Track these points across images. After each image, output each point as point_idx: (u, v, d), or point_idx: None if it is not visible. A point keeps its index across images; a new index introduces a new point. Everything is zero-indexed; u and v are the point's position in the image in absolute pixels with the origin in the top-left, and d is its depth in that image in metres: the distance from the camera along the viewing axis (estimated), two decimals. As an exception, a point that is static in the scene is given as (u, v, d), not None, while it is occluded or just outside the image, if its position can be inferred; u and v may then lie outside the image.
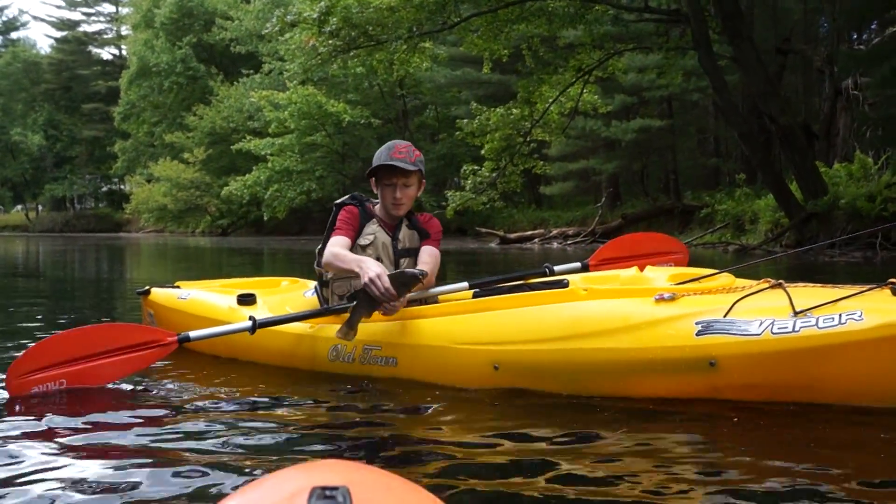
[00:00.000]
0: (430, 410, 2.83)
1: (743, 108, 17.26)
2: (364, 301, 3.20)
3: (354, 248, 3.56)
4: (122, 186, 62.48)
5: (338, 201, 3.76)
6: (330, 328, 3.44)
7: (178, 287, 4.51)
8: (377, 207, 3.70)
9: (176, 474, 2.10)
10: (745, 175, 22.23)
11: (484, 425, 2.59)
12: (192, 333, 3.36)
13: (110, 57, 69.49)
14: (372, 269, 3.18)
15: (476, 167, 17.27)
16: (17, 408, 2.91)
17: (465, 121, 17.17)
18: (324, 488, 0.75)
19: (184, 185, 43.44)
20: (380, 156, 3.53)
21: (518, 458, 2.25)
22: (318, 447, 2.43)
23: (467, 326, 3.11)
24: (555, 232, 23.12)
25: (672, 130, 24.55)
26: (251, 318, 3.42)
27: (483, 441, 2.41)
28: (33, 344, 3.28)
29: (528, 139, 16.96)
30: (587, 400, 2.81)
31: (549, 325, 2.93)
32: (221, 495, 1.93)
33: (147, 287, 4.52)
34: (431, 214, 3.85)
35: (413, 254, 3.64)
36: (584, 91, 17.28)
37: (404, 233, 3.67)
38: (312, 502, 0.74)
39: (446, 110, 33.53)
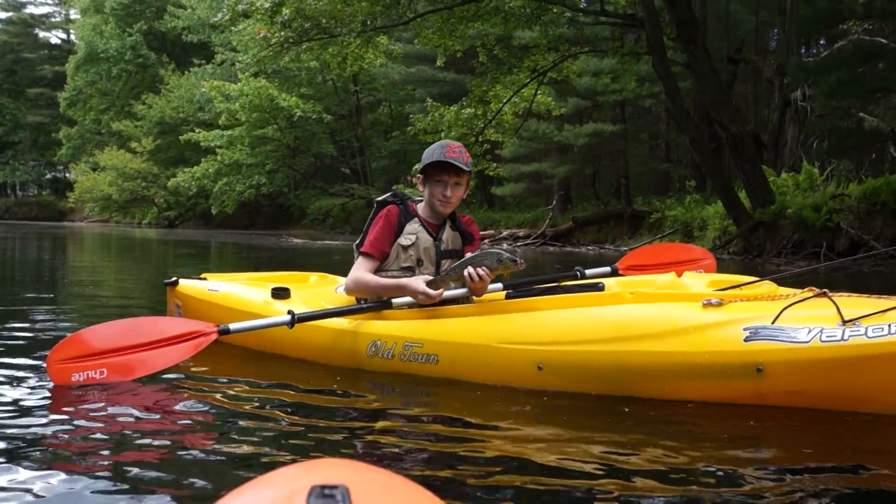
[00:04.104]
0: (468, 410, 2.86)
1: (694, 115, 17.36)
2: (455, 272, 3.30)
3: (395, 248, 3.53)
4: (66, 174, 61.07)
5: (379, 199, 3.71)
6: (369, 324, 3.47)
7: (205, 279, 4.51)
8: (420, 206, 3.64)
9: (185, 469, 2.12)
10: (696, 182, 22.42)
11: (524, 428, 2.62)
12: (232, 325, 3.36)
13: (58, 41, 67.93)
14: (418, 285, 3.29)
15: (428, 165, 17.08)
16: (53, 391, 2.98)
17: (419, 115, 17.01)
18: (323, 487, 0.75)
19: (130, 174, 42.64)
20: (432, 153, 3.49)
21: (558, 459, 2.25)
22: (346, 446, 2.41)
23: (510, 326, 3.13)
24: (505, 233, 23.05)
25: (624, 136, 24.67)
26: (290, 312, 3.42)
27: (521, 442, 2.43)
28: (74, 332, 3.28)
29: (480, 139, 16.87)
30: (631, 402, 2.85)
31: (595, 327, 2.96)
32: (234, 486, 1.95)
33: (175, 278, 4.48)
34: (471, 217, 3.81)
35: (456, 255, 3.56)
36: (538, 92, 17.23)
37: (447, 234, 3.60)
38: (311, 501, 0.73)
39: (400, 108, 33.35)
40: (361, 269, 3.50)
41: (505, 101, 16.51)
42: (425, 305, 3.35)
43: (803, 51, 24.21)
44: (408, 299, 3.41)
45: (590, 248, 19.96)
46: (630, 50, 16.57)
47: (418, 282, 3.31)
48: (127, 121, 44.43)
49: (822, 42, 22.60)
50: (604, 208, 23.61)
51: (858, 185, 13.91)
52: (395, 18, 15.47)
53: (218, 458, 2.22)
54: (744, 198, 14.43)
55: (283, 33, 15.24)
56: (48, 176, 65.33)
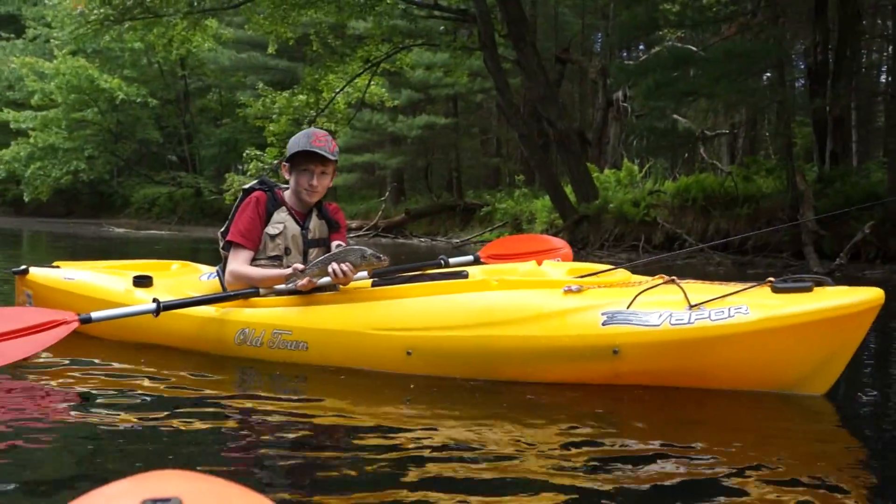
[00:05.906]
0: (334, 399, 2.87)
1: (524, 111, 17.86)
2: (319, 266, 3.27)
3: (263, 237, 3.52)
4: None
5: (245, 186, 3.66)
6: (237, 312, 3.44)
7: (58, 267, 4.26)
8: (287, 194, 3.59)
9: (15, 478, 1.90)
10: (525, 176, 23.10)
11: (390, 415, 2.65)
12: (94, 314, 3.21)
13: None
14: (298, 279, 3.25)
15: (259, 153, 16.76)
16: None
17: (250, 98, 16.59)
18: (154, 500, 0.74)
19: (-74, 156, 39.00)
20: (298, 142, 3.45)
21: (421, 447, 2.25)
22: (197, 448, 2.25)
23: (380, 312, 3.17)
24: (338, 224, 22.86)
25: (456, 129, 25.06)
26: (155, 300, 3.29)
27: (383, 433, 2.41)
28: None
29: (312, 127, 16.64)
30: (496, 385, 2.93)
31: (462, 313, 3.05)
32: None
33: (24, 266, 4.19)
34: (337, 205, 3.79)
35: (323, 244, 3.57)
36: (372, 83, 17.19)
37: (314, 223, 3.60)
38: None
39: (231, 94, 32.32)
40: (240, 262, 3.47)
41: (338, 90, 16.37)
42: (297, 292, 3.34)
43: (625, 54, 25.44)
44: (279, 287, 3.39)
45: (422, 239, 20.13)
46: (462, 45, 16.83)
47: (295, 278, 3.30)
48: (-78, 98, 40.65)
49: (641, 47, 23.83)
50: (436, 201, 23.91)
51: (673, 182, 14.77)
52: (224, 1, 14.98)
53: (55, 466, 2.06)
54: (570, 192, 14.98)
55: (102, 10, 14.40)
56: None
